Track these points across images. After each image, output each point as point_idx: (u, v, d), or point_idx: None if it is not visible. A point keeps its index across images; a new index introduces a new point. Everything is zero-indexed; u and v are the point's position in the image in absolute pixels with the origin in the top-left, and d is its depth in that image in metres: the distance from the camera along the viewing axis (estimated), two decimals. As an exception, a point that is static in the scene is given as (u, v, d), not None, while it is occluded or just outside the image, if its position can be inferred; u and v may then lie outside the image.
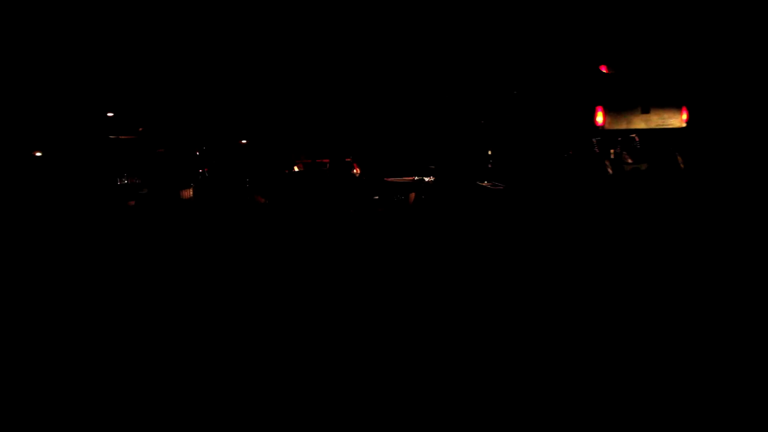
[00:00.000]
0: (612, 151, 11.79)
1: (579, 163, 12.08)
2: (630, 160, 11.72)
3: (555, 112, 12.84)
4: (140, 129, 14.91)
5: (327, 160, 19.63)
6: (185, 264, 7.00)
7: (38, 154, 14.24)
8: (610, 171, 11.60)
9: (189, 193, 14.23)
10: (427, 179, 15.31)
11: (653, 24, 13.41)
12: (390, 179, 15.48)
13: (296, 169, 19.59)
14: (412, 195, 15.31)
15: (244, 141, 21.14)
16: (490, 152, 14.69)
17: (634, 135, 11.82)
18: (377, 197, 15.53)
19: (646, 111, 11.47)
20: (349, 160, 18.79)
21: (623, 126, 11.65)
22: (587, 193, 11.35)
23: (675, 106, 11.72)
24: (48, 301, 5.17)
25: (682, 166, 11.70)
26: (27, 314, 4.75)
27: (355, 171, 17.89)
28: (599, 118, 11.55)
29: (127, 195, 13.48)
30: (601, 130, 11.62)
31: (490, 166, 14.57)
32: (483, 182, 13.77)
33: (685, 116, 11.84)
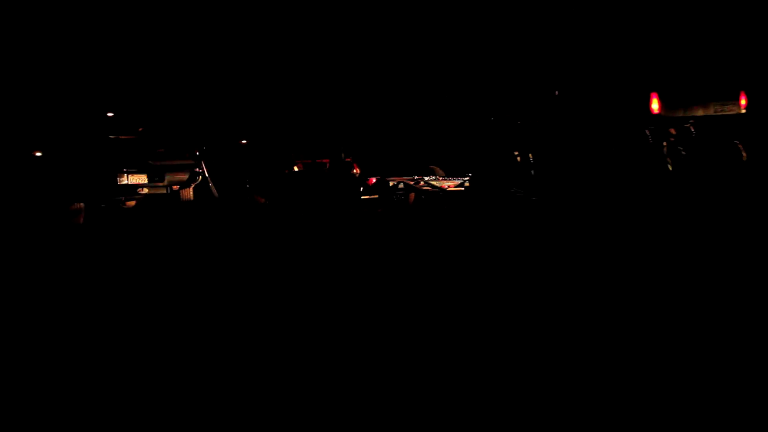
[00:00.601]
0: (665, 143, 10.72)
1: (633, 159, 10.79)
2: (686, 153, 10.60)
3: (602, 101, 11.55)
4: (140, 129, 14.89)
5: (327, 160, 19.60)
6: (185, 264, 7.00)
7: (38, 154, 14.22)
8: (670, 168, 10.49)
9: (189, 192, 14.21)
10: (426, 178, 15.28)
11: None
12: (390, 179, 15.48)
13: (296, 169, 19.57)
14: (412, 195, 15.31)
15: (244, 141, 21.13)
16: (531, 156, 12.91)
17: (689, 124, 10.76)
18: (377, 197, 15.55)
19: (704, 97, 10.36)
20: (349, 160, 18.78)
21: (680, 114, 10.65)
22: (647, 198, 9.97)
23: (733, 90, 10.76)
24: (46, 302, 5.17)
25: (744, 156, 10.59)
26: (25, 315, 4.75)
27: (355, 171, 17.88)
28: (654, 105, 10.56)
29: (127, 195, 13.47)
30: (655, 119, 10.55)
31: (532, 172, 12.77)
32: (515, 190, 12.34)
33: (744, 101, 10.85)
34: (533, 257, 6.29)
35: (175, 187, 13.77)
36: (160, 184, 13.51)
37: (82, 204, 13.22)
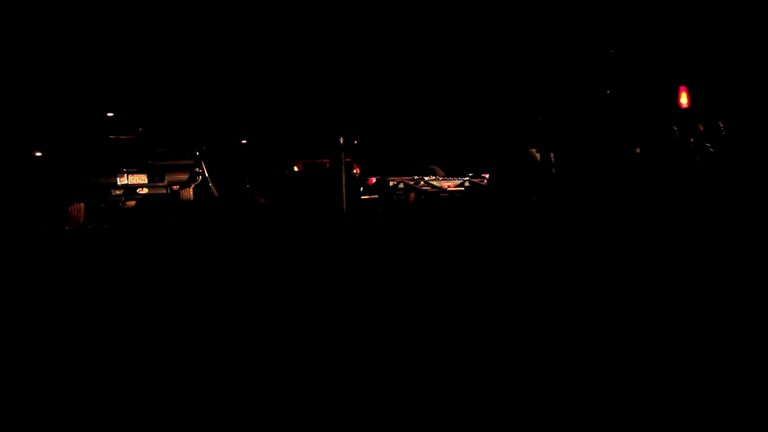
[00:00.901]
0: (692, 139, 10.24)
1: (659, 156, 10.35)
2: (714, 149, 10.07)
3: (626, 95, 11.10)
4: (140, 129, 14.91)
5: (327, 160, 19.59)
6: (184, 264, 7.00)
7: (38, 154, 14.24)
8: (698, 164, 9.95)
9: (189, 192, 14.22)
10: (426, 178, 15.29)
11: None
12: (390, 179, 15.50)
13: (296, 169, 19.57)
14: (412, 195, 15.32)
15: (244, 141, 21.14)
16: (552, 155, 12.29)
17: (718, 119, 10.35)
18: (377, 197, 15.57)
19: (733, 91, 10.00)
20: (348, 160, 18.77)
21: (708, 108, 10.23)
22: (678, 198, 9.49)
23: (763, 85, 10.37)
24: (45, 302, 5.17)
25: None
26: (24, 316, 4.75)
27: (355, 171, 17.89)
28: (683, 99, 10.21)
29: (127, 195, 13.49)
30: (683, 114, 10.17)
31: (553, 170, 12.19)
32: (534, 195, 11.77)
33: None
34: (544, 258, 6.26)
35: (175, 187, 13.78)
36: (160, 184, 13.53)
37: (82, 204, 13.23)
